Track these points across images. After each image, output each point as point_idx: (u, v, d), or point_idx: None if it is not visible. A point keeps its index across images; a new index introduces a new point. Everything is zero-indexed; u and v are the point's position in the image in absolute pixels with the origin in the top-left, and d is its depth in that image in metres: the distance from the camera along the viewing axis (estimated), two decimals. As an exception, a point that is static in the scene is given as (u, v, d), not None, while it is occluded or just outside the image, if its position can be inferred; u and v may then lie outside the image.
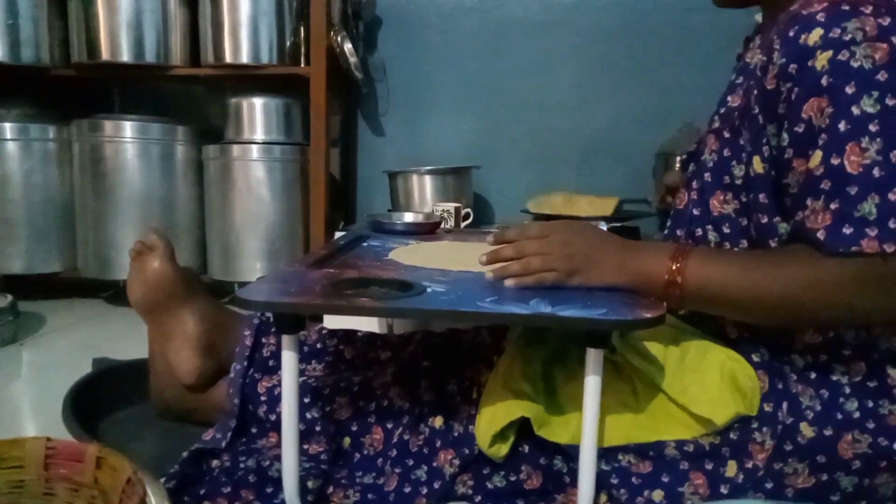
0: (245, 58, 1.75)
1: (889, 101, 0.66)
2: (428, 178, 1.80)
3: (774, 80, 0.72)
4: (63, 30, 1.83)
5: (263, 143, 1.80)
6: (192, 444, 0.87)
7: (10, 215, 1.83)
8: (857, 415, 0.73)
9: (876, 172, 0.65)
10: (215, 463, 0.86)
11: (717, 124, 0.84)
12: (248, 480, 0.82)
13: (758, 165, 0.76)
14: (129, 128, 1.80)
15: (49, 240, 1.88)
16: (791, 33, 0.70)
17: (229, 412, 0.93)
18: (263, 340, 1.01)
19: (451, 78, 2.02)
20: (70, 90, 2.00)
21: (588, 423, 0.70)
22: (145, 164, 1.81)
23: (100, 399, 1.07)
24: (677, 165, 1.70)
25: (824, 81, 0.68)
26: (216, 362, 0.99)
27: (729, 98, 0.83)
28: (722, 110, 0.84)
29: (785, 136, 0.72)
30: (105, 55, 1.74)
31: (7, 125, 1.81)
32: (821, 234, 0.67)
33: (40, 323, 1.68)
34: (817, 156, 0.68)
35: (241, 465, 0.85)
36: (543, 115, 1.99)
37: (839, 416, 0.73)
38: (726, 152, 0.80)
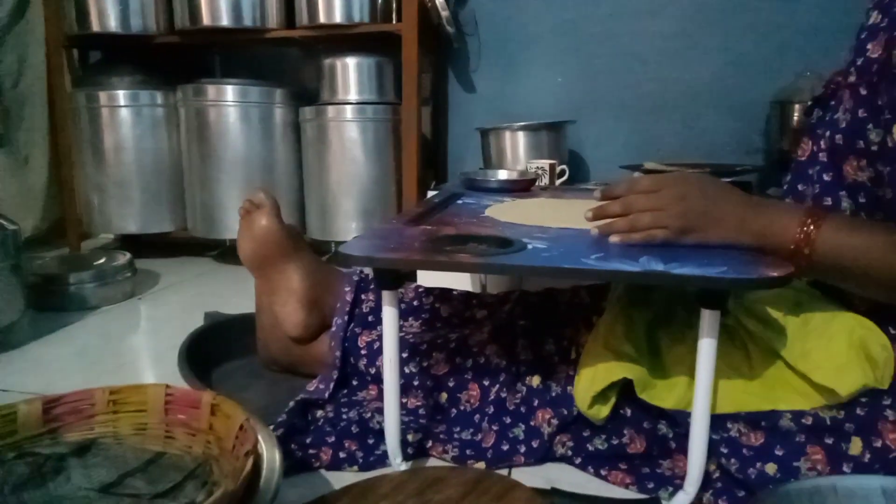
0: (338, 17, 1.75)
1: None
2: (521, 135, 1.75)
3: None
4: (167, -1, 1.90)
5: (357, 103, 1.82)
6: (297, 395, 0.90)
7: (126, 178, 1.95)
8: None
9: None
10: (319, 413, 0.89)
11: (853, 77, 0.73)
12: (350, 431, 0.84)
13: None
14: (230, 91, 1.85)
15: (161, 201, 1.99)
16: None
17: (332, 364, 0.96)
18: (363, 297, 1.02)
19: (544, 27, 1.93)
20: (174, 57, 2.08)
21: (701, 389, 0.66)
22: (246, 127, 1.87)
23: (211, 351, 1.13)
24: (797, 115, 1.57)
25: None
26: (319, 316, 1.02)
27: (869, 46, 0.72)
28: (859, 61, 0.73)
29: None
30: (206, 20, 1.80)
31: (121, 93, 1.91)
32: None
33: (155, 279, 1.80)
34: None
35: (344, 417, 0.87)
36: (644, 64, 1.88)
37: None
38: (861, 112, 0.71)
